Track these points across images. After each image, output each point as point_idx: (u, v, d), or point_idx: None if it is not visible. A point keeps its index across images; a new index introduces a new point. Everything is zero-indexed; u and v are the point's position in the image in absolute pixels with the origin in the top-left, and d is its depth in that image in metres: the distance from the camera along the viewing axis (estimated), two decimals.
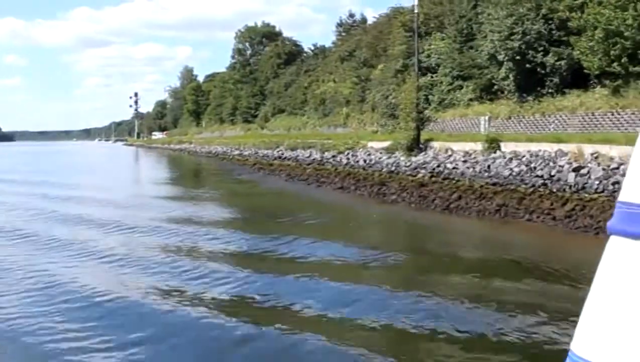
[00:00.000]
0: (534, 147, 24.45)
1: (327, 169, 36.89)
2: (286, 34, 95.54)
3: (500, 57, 31.49)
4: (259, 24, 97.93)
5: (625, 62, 25.07)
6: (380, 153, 34.31)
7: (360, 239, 18.69)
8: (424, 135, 32.41)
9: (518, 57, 30.30)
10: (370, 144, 37.60)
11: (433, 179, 26.99)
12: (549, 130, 28.34)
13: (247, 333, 9.91)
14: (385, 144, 35.07)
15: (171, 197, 31.66)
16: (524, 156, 24.25)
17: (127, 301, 11.78)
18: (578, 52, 27.42)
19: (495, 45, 31.45)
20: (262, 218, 23.59)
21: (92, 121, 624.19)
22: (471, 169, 25.69)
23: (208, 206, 27.94)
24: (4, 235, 19.58)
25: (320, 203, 28.08)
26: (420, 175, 28.10)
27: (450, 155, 28.53)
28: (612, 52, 25.36)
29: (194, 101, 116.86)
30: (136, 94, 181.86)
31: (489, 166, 25.00)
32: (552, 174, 21.54)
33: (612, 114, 25.61)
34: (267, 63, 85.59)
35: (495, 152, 26.04)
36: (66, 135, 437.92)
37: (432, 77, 40.52)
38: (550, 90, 29.98)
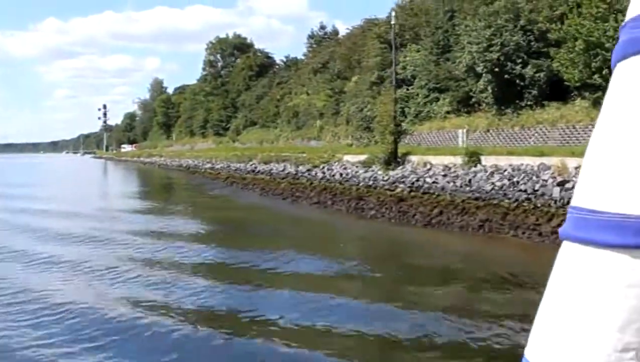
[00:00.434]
0: (515, 160, 23.91)
1: (302, 183, 36.06)
2: (256, 45, 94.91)
3: (478, 69, 31.03)
4: (230, 35, 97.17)
5: (606, 73, 24.64)
6: (357, 167, 33.57)
7: (342, 254, 18.16)
8: (401, 149, 31.76)
9: (497, 69, 29.86)
10: (345, 157, 36.87)
11: (412, 193, 26.31)
12: (529, 143, 27.89)
13: (220, 343, 10.00)
14: (362, 157, 34.36)
15: (141, 211, 30.61)
16: (505, 170, 23.69)
17: (91, 309, 11.79)
18: (558, 63, 27.02)
19: (473, 57, 30.99)
20: (237, 234, 22.73)
21: (60, 133, 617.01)
22: (452, 184, 25.07)
23: (180, 222, 26.93)
24: None
25: (298, 219, 27.32)
26: (399, 189, 27.40)
27: (429, 169, 27.90)
28: (592, 64, 24.98)
29: (164, 113, 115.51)
30: (105, 106, 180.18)
31: (470, 180, 24.39)
32: (536, 188, 20.98)
33: (593, 127, 24.96)
34: (239, 75, 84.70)
35: (475, 166, 25.46)
36: (34, 147, 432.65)
37: (407, 89, 39.93)
38: (529, 103, 29.58)
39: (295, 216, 28.55)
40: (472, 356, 9.22)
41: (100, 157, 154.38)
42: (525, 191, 21.29)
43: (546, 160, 22.27)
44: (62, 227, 23.68)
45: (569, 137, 26.30)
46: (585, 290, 0.57)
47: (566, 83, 26.89)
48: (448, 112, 36.14)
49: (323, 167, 36.89)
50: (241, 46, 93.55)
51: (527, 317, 9.86)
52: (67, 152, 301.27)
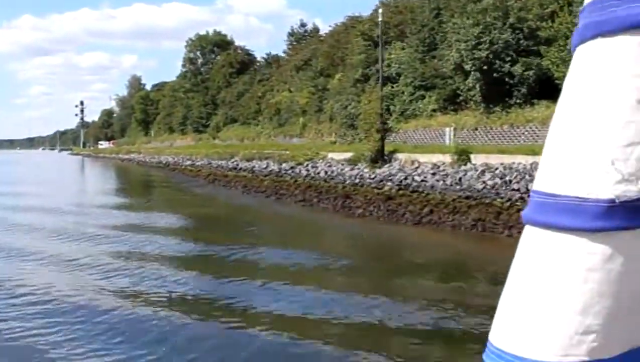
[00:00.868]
0: (507, 159, 23.58)
1: (286, 180, 35.44)
2: (235, 43, 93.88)
3: (467, 67, 30.68)
4: (211, 32, 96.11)
5: None
6: (342, 165, 33.05)
7: (330, 250, 17.97)
8: (387, 147, 31.33)
9: (485, 67, 29.52)
10: (330, 155, 36.36)
11: (401, 191, 25.82)
12: (519, 142, 27.58)
13: (215, 333, 10.17)
14: (347, 155, 33.88)
15: (119, 207, 29.85)
16: (497, 169, 23.34)
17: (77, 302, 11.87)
18: (549, 62, 26.75)
19: (461, 55, 30.62)
20: (222, 232, 22.09)
21: (36, 130, 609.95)
22: (441, 182, 24.64)
23: (161, 222, 26.26)
24: None
25: (283, 217, 26.81)
26: (386, 188, 26.89)
27: (417, 168, 27.48)
28: None
29: (142, 110, 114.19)
30: (82, 103, 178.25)
31: (460, 179, 23.99)
32: (529, 187, 20.60)
33: None
34: (219, 72, 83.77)
35: (465, 165, 25.10)
36: (10, 144, 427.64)
37: (392, 87, 39.51)
38: (518, 101, 29.29)
39: (281, 214, 28.03)
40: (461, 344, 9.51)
41: (77, 154, 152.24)
42: (518, 190, 20.93)
43: (538, 159, 21.75)
44: (41, 222, 23.63)
45: None
46: (546, 274, 0.58)
47: (557, 81, 26.60)
48: (434, 110, 35.78)
49: (307, 165, 36.32)
50: (221, 43, 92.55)
51: None
52: (44, 149, 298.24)
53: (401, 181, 26.62)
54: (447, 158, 26.33)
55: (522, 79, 28.74)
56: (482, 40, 29.53)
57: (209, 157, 55.48)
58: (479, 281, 13.66)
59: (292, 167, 37.31)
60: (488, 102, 30.57)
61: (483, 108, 30.90)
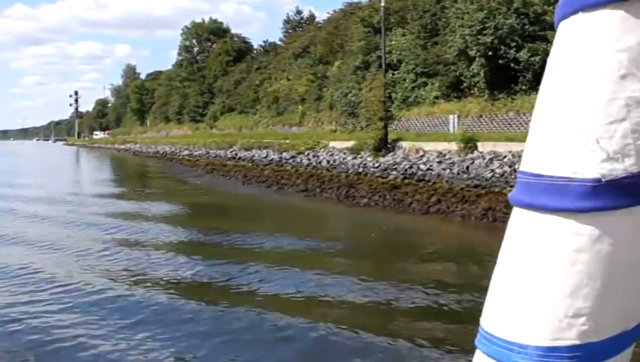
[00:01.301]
0: (515, 147, 23.06)
1: (287, 170, 34.94)
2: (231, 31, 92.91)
3: (471, 53, 30.13)
4: (206, 20, 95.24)
5: None
6: (344, 153, 32.57)
7: (335, 237, 18.17)
8: (391, 135, 30.83)
9: (490, 53, 28.99)
10: (331, 143, 35.86)
11: (406, 181, 25.36)
12: (526, 129, 27.02)
13: (212, 314, 10.40)
14: (349, 144, 33.39)
15: (119, 197, 29.37)
16: (505, 157, 22.89)
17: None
18: None
19: (465, 41, 30.07)
20: (227, 221, 21.53)
21: (30, 120, 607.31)
22: (448, 171, 24.19)
23: (163, 210, 25.78)
24: None
25: (286, 207, 26.38)
26: (391, 176, 26.45)
27: (422, 156, 27.00)
28: None
29: (137, 100, 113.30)
30: (76, 93, 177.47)
31: (467, 167, 23.55)
32: None
33: None
34: (216, 60, 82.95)
35: (472, 153, 24.64)
36: (3, 135, 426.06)
37: (393, 74, 38.93)
38: (523, 87, 28.78)
39: (283, 204, 27.61)
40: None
41: (72, 144, 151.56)
42: None
43: None
44: (41, 211, 24.18)
45: None
46: (533, 256, 0.57)
47: None
48: (437, 98, 35.25)
49: (308, 154, 35.83)
50: (217, 31, 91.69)
51: None
52: (38, 139, 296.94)
53: (406, 170, 26.16)
54: (453, 146, 25.86)
55: (527, 65, 28.22)
56: (486, 25, 28.98)
57: (206, 146, 54.93)
58: (491, 264, 13.42)
59: (292, 157, 36.83)
60: (493, 89, 30.06)
61: (488, 95, 30.39)
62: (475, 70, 30.34)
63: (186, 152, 59.48)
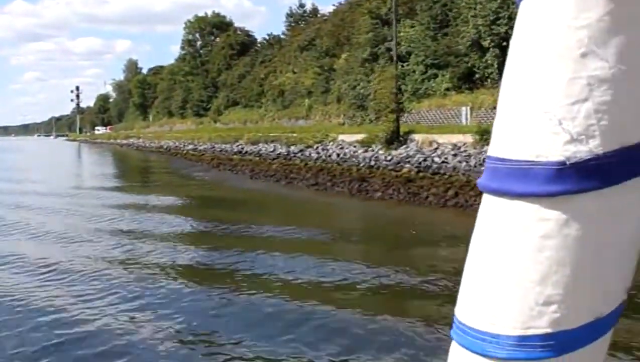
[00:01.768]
0: None
1: (296, 164, 34.41)
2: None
3: (484, 44, 29.57)
4: (209, 14, 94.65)
5: None
6: (355, 147, 31.98)
7: (351, 230, 18.11)
8: (402, 128, 30.24)
9: (504, 43, 28.41)
10: (341, 137, 35.25)
11: (421, 174, 24.82)
12: None
13: (220, 299, 10.57)
14: (358, 136, 32.80)
15: (126, 190, 28.88)
16: None
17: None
18: None
19: (479, 31, 29.51)
20: (242, 216, 21.06)
21: (30, 116, 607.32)
22: (464, 163, 23.63)
23: (173, 204, 25.28)
24: None
25: (298, 201, 25.80)
26: (405, 170, 25.93)
27: (436, 149, 26.42)
28: None
29: (140, 94, 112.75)
30: (78, 88, 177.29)
31: (484, 160, 22.85)
32: None
33: None
34: (219, 54, 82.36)
35: (488, 145, 23.99)
36: (4, 131, 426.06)
37: (402, 65, 38.35)
38: None
39: (295, 197, 27.10)
40: None
41: (73, 140, 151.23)
42: None
43: None
44: (48, 204, 24.38)
45: None
46: (501, 243, 0.56)
47: None
48: (448, 89, 34.69)
49: (317, 147, 35.25)
50: (220, 25, 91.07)
51: None
52: (39, 135, 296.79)
53: (420, 163, 25.61)
54: (468, 138, 25.29)
55: None
56: (500, 15, 28.45)
57: (211, 141, 54.34)
58: None
59: (301, 150, 36.26)
60: None
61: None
62: (489, 61, 29.75)
63: (190, 146, 58.93)
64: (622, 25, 0.50)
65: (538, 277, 0.54)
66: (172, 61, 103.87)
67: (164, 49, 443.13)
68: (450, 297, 9.78)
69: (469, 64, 32.07)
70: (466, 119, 30.68)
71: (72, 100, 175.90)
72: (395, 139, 29.28)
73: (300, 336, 8.69)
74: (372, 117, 36.33)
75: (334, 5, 61.93)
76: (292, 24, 74.47)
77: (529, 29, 0.54)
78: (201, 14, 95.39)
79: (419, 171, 25.06)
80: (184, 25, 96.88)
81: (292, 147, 37.51)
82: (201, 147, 55.25)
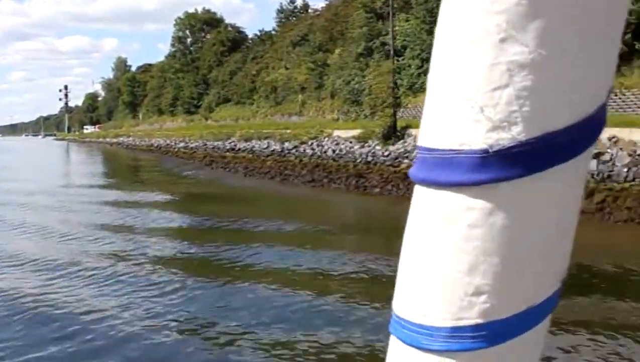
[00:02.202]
0: None
1: (291, 160, 33.81)
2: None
3: None
4: (199, 10, 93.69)
5: (629, 39, 22.76)
6: (350, 142, 31.37)
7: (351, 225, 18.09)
8: (399, 122, 29.64)
9: None
10: (336, 132, 34.60)
11: None
12: None
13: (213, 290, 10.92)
14: (354, 132, 32.18)
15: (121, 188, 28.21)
16: None
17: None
18: None
19: None
20: (240, 215, 20.42)
21: (18, 116, 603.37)
22: None
23: (166, 202, 24.63)
24: None
25: (295, 199, 25.18)
26: (403, 165, 25.37)
27: None
28: None
29: (129, 92, 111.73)
30: (66, 87, 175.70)
31: None
32: None
33: (616, 95, 23.33)
34: (210, 51, 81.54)
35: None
36: None
37: (398, 60, 37.75)
38: None
39: (291, 194, 26.50)
40: None
41: (62, 139, 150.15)
42: None
43: None
44: (38, 202, 24.55)
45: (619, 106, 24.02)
46: (431, 233, 0.55)
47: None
48: None
49: (312, 144, 34.60)
50: (211, 21, 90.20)
51: None
52: (27, 135, 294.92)
53: None
54: None
55: None
56: None
57: (203, 138, 53.61)
58: None
59: (295, 147, 35.62)
60: None
61: None
62: None
63: (182, 144, 58.19)
64: (541, 9, 0.49)
65: (466, 267, 0.53)
66: (161, 59, 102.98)
67: (152, 47, 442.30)
68: None
69: None
70: None
71: (60, 99, 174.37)
72: (393, 134, 28.70)
73: (300, 324, 8.98)
74: (367, 113, 35.76)
75: (326, 0, 61.31)
76: (283, 20, 73.77)
77: (451, 15, 0.52)
78: (195, 9, 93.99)
79: None
80: (174, 22, 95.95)
81: (286, 144, 36.87)
82: (193, 145, 54.53)
